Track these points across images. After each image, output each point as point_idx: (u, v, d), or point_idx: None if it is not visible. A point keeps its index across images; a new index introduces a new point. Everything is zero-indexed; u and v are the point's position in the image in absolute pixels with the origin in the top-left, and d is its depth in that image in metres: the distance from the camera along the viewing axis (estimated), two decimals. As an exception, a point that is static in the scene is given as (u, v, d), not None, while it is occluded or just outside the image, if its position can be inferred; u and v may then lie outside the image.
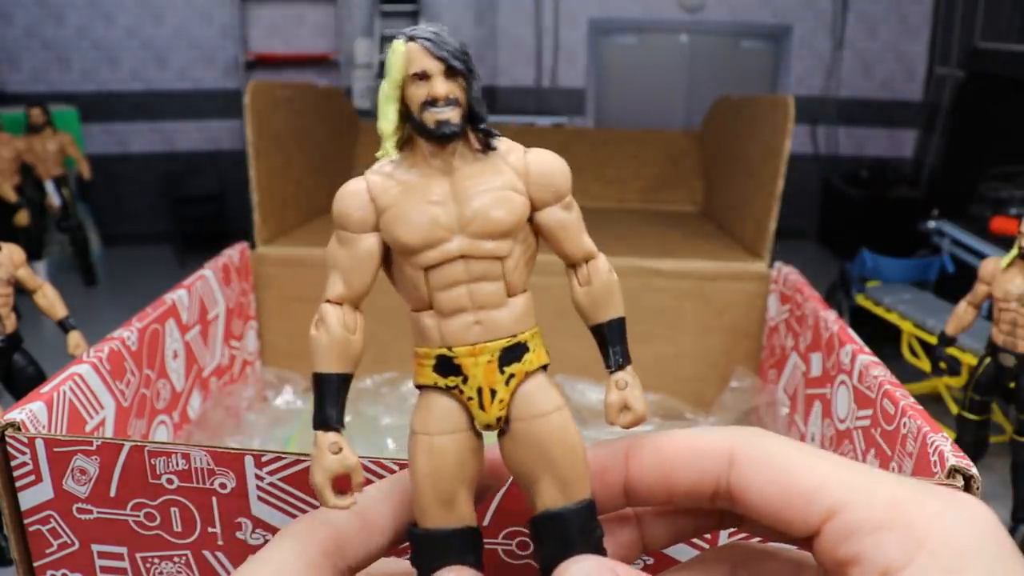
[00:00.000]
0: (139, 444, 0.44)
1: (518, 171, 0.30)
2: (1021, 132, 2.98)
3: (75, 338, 1.04)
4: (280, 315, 1.11)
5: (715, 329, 1.09)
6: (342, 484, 0.29)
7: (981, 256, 2.08)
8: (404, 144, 0.30)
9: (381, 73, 0.30)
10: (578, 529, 0.29)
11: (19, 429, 0.47)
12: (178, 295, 0.84)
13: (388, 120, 0.29)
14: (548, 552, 0.30)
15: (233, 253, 1.03)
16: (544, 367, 0.31)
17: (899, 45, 4.11)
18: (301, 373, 1.10)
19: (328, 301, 0.30)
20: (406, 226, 0.29)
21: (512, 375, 0.30)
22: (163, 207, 3.97)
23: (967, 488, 0.42)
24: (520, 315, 0.30)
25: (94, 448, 0.44)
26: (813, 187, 4.15)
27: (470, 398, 0.29)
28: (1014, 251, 1.15)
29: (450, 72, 0.29)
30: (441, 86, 0.28)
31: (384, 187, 0.29)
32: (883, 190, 3.76)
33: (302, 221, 1.26)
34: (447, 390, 0.29)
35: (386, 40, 3.91)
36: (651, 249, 1.14)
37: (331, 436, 0.29)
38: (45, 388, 0.56)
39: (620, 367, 0.32)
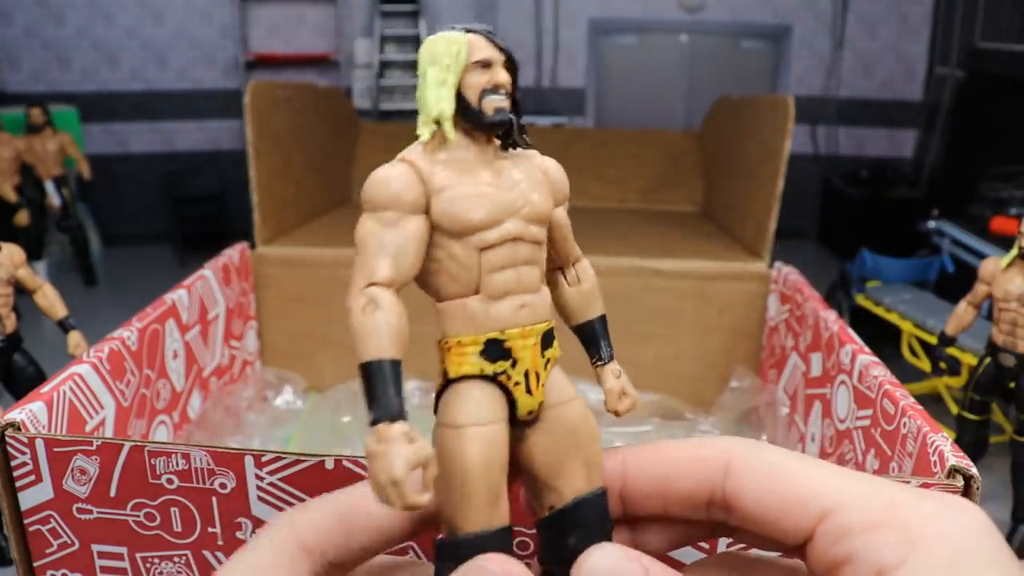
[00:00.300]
0: (139, 444, 0.44)
1: (541, 170, 0.32)
2: (1021, 132, 2.98)
3: (75, 338, 1.04)
4: (280, 315, 1.11)
5: (715, 329, 1.09)
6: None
7: (981, 256, 2.08)
8: (435, 133, 0.30)
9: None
10: (598, 517, 0.30)
11: (19, 429, 0.47)
12: (178, 295, 0.84)
13: (448, 102, 0.29)
14: (572, 544, 0.29)
15: (233, 253, 1.03)
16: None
17: (899, 45, 4.11)
18: (301, 373, 1.10)
19: (375, 284, 0.27)
20: (470, 205, 0.29)
21: (548, 360, 0.30)
22: (163, 207, 3.96)
23: (967, 488, 0.42)
24: (550, 302, 0.31)
25: (94, 448, 0.44)
26: (813, 187, 4.15)
27: (517, 383, 0.29)
28: (1014, 251, 1.15)
29: (507, 64, 0.30)
30: (503, 75, 0.30)
31: (432, 171, 0.29)
32: (883, 190, 3.76)
33: (302, 221, 1.26)
34: (490, 378, 0.29)
35: (386, 40, 3.90)
36: (651, 249, 1.14)
37: (399, 426, 0.26)
38: (45, 388, 0.56)
39: (611, 358, 0.34)
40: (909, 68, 4.12)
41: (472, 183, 0.29)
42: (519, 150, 0.31)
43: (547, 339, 0.30)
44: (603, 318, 0.34)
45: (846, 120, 4.18)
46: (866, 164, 3.98)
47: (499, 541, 0.28)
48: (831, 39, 4.09)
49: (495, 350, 0.29)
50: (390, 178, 0.29)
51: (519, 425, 0.30)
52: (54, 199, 3.06)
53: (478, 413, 0.28)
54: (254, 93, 1.07)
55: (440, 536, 0.28)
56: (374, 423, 0.26)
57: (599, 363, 0.34)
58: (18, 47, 3.80)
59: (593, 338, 0.34)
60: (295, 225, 1.23)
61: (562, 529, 0.30)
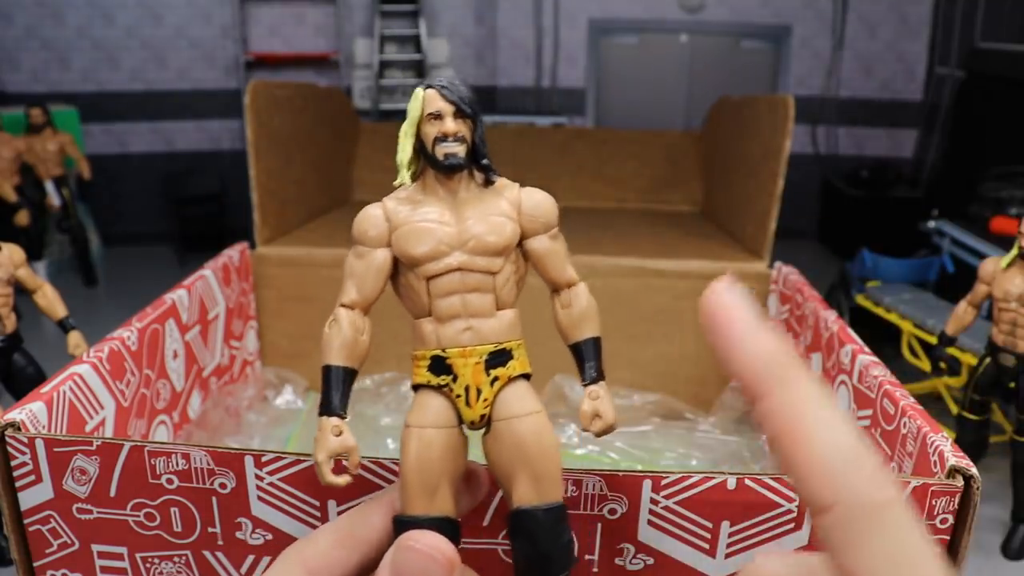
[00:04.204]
0: (139, 444, 0.44)
1: (512, 203, 0.35)
2: (1021, 132, 2.98)
3: (75, 338, 1.04)
4: (280, 315, 1.11)
5: (715, 329, 1.09)
6: (339, 469, 0.33)
7: (981, 256, 2.08)
8: (418, 175, 0.35)
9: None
10: (547, 529, 0.33)
11: (19, 429, 0.47)
12: (178, 295, 0.84)
13: (405, 152, 0.35)
14: (518, 547, 0.33)
15: (233, 253, 1.03)
16: (527, 376, 0.35)
17: (899, 45, 4.10)
18: (301, 373, 1.10)
19: (343, 305, 0.34)
20: (415, 241, 0.34)
21: (496, 378, 0.34)
22: (163, 207, 3.96)
23: (967, 488, 0.42)
24: (507, 326, 0.34)
25: (94, 448, 0.44)
26: (813, 187, 4.14)
27: (458, 395, 0.34)
28: (1014, 251, 1.15)
29: (459, 114, 0.34)
30: (451, 124, 0.34)
31: (397, 210, 0.34)
32: (883, 190, 3.76)
33: (302, 221, 1.26)
34: (439, 389, 0.34)
35: (386, 40, 3.90)
36: (651, 249, 1.14)
37: (333, 420, 0.33)
38: (45, 388, 0.56)
39: (594, 381, 0.37)
40: (909, 68, 4.12)
41: (426, 220, 0.34)
42: (496, 185, 0.35)
43: (495, 359, 0.34)
44: (593, 341, 0.37)
45: (846, 120, 4.18)
46: (866, 164, 3.98)
47: (435, 527, 0.31)
48: (831, 39, 4.09)
49: (439, 365, 0.34)
50: (362, 217, 0.35)
51: (482, 432, 0.34)
52: (54, 199, 3.06)
53: (421, 417, 0.33)
54: (254, 93, 1.07)
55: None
56: (319, 416, 0.33)
57: (582, 383, 0.37)
58: (18, 47, 3.80)
59: (579, 359, 0.37)
60: (295, 225, 1.23)
61: (511, 532, 0.33)
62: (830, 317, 0.82)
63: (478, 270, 0.34)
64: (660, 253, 1.12)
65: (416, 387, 0.34)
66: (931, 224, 2.56)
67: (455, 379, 0.34)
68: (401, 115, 0.35)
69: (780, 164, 1.04)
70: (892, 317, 2.06)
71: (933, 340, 1.77)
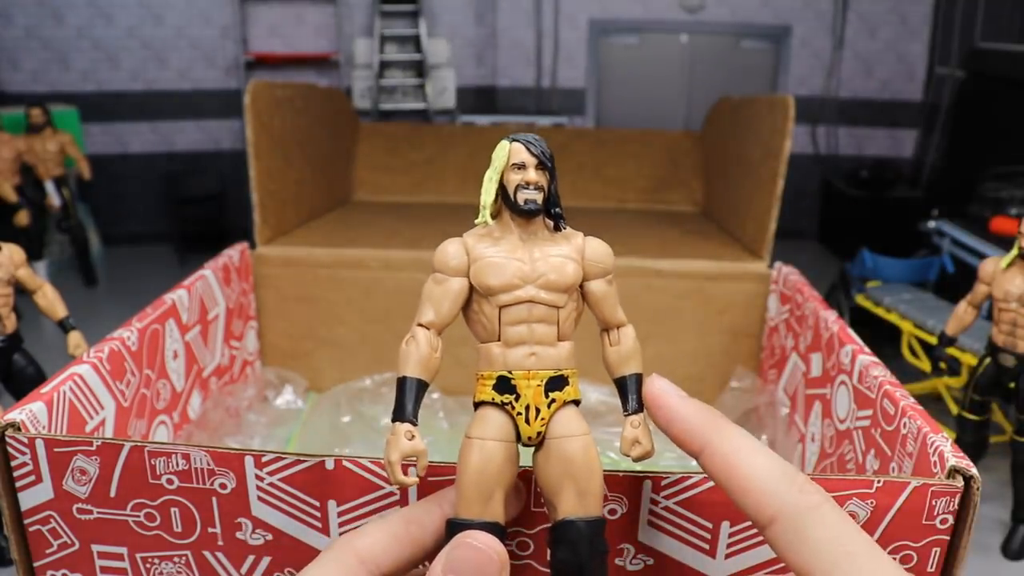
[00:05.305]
0: (139, 444, 0.44)
1: (577, 249, 0.40)
2: (1021, 132, 2.98)
3: (75, 338, 1.04)
4: (280, 315, 1.11)
5: (715, 329, 1.09)
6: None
7: (981, 256, 2.08)
8: (495, 215, 0.40)
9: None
10: (587, 539, 0.36)
11: (19, 429, 0.47)
12: (178, 295, 0.84)
13: (489, 195, 0.39)
14: (559, 555, 0.36)
15: (233, 253, 1.03)
16: (577, 402, 0.38)
17: (899, 45, 4.10)
18: (301, 373, 1.10)
19: (420, 324, 0.38)
20: (492, 273, 0.38)
21: (553, 400, 0.38)
22: (163, 207, 3.96)
23: (967, 488, 0.42)
24: (566, 355, 0.39)
25: (94, 448, 0.44)
26: (813, 187, 4.15)
27: (519, 413, 0.37)
28: (1014, 251, 1.15)
29: (540, 166, 0.39)
30: (533, 175, 0.38)
31: (476, 245, 0.39)
32: (883, 190, 3.76)
33: (302, 221, 1.26)
34: (501, 406, 0.37)
35: (386, 40, 3.90)
36: (651, 249, 1.14)
37: (407, 426, 0.36)
38: (45, 388, 0.56)
39: (635, 411, 0.40)
40: (909, 68, 4.12)
41: (503, 256, 0.38)
42: (564, 232, 0.40)
43: (553, 384, 0.38)
44: (636, 376, 0.41)
45: (846, 120, 4.18)
46: (866, 164, 3.98)
47: (487, 531, 0.34)
48: (831, 39, 4.09)
49: (503, 385, 0.38)
50: (444, 249, 0.39)
51: (532, 448, 0.38)
52: (54, 199, 3.06)
53: (482, 431, 0.37)
54: (254, 93, 1.07)
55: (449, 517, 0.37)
56: (392, 421, 0.36)
57: (624, 413, 0.40)
58: (18, 47, 3.80)
59: (623, 392, 0.40)
60: (295, 225, 1.23)
61: (553, 540, 0.36)
62: (830, 317, 0.82)
63: (545, 303, 0.38)
64: (660, 253, 1.12)
65: (478, 404, 0.38)
66: (931, 224, 2.56)
67: (518, 398, 0.37)
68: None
69: (780, 164, 1.04)
70: (892, 317, 2.06)
71: (933, 340, 1.77)
